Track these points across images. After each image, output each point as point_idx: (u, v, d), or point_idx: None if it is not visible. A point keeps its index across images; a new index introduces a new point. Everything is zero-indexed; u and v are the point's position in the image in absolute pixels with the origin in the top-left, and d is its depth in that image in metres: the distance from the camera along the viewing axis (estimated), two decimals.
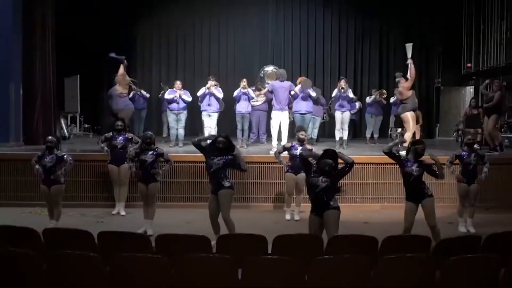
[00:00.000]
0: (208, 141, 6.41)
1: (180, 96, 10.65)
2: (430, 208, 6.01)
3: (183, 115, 10.81)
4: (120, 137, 8.06)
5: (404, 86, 9.85)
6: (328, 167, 5.30)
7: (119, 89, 9.74)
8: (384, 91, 12.88)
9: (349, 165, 5.48)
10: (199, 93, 10.89)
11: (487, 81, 11.16)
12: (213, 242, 4.77)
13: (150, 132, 7.24)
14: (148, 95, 12.31)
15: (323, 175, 5.30)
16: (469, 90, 15.19)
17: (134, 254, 3.87)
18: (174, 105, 10.72)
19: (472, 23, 14.79)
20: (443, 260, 3.70)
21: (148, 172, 6.95)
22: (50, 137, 7.01)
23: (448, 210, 8.21)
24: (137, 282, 3.70)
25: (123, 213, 8.09)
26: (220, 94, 10.83)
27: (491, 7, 13.94)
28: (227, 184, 6.17)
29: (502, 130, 12.47)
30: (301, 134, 7.80)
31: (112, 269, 3.77)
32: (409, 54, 10.07)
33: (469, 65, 14.97)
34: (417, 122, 10.96)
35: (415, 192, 6.04)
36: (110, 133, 8.16)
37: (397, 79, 10.25)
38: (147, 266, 3.76)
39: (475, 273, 3.70)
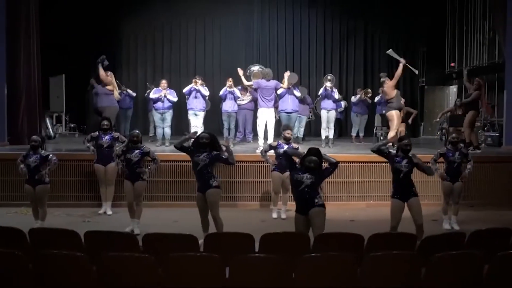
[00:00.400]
0: (191, 141, 6.41)
1: (165, 96, 10.65)
2: (418, 207, 6.08)
3: (169, 115, 10.80)
4: (107, 137, 8.02)
5: (389, 85, 9.96)
6: (313, 164, 5.34)
7: (105, 89, 9.74)
8: (369, 90, 12.98)
9: (333, 165, 5.52)
10: (185, 90, 10.90)
11: (465, 71, 11.33)
12: (201, 241, 4.78)
13: (137, 131, 7.20)
14: (134, 94, 12.27)
15: (307, 172, 5.34)
16: (453, 89, 15.37)
17: (121, 253, 3.86)
18: (159, 104, 10.71)
19: (456, 23, 14.97)
20: (428, 257, 3.75)
21: (134, 171, 6.93)
22: (34, 137, 6.94)
23: (432, 208, 8.29)
24: (125, 282, 3.70)
25: (109, 212, 8.06)
26: (206, 92, 10.85)
27: (474, 7, 14.12)
28: (214, 183, 6.19)
29: (485, 128, 12.65)
30: (287, 133, 7.83)
31: (99, 268, 3.76)
32: (397, 57, 10.22)
33: (452, 64, 15.15)
34: (403, 121, 11.10)
35: (404, 189, 6.09)
36: (96, 133, 8.12)
37: (382, 79, 10.37)
38: (134, 266, 3.76)
39: (460, 270, 3.76)
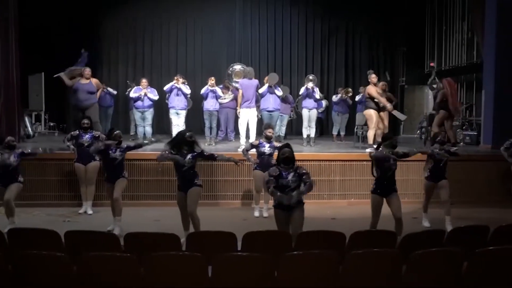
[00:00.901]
0: (169, 147, 6.33)
1: (145, 94, 10.58)
2: (398, 201, 6.25)
3: (149, 113, 10.75)
4: (87, 135, 7.95)
5: (369, 90, 10.12)
6: (287, 153, 5.48)
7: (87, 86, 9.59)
8: (350, 89, 13.08)
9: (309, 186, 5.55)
10: (166, 87, 10.85)
11: (431, 77, 11.50)
12: (183, 240, 4.77)
13: (118, 131, 7.12)
14: (115, 93, 12.15)
15: (288, 172, 5.39)
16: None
17: (102, 253, 3.83)
18: (139, 103, 10.66)
19: (435, 24, 15.16)
20: (408, 254, 3.79)
21: (115, 170, 6.87)
22: (9, 137, 6.90)
23: (412, 206, 8.41)
24: (106, 282, 3.67)
25: (90, 212, 7.99)
26: (187, 90, 10.82)
27: (453, 8, 14.32)
28: (198, 182, 6.24)
29: (464, 127, 12.84)
30: (269, 132, 7.86)
31: (80, 268, 3.72)
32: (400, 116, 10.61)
33: (432, 64, 15.33)
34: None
35: (387, 185, 6.24)
36: (77, 131, 8.03)
37: (369, 75, 10.44)
38: (116, 265, 3.73)
39: (440, 267, 3.81)
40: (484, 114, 11.14)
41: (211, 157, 6.48)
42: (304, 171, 5.52)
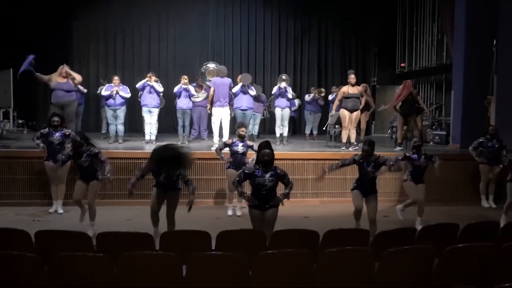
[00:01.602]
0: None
1: (117, 92, 10.45)
2: (375, 203, 6.39)
3: (121, 111, 10.61)
4: (57, 133, 7.80)
5: (342, 90, 10.25)
6: (267, 156, 5.44)
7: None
8: (323, 89, 13.18)
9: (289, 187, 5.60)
10: (138, 85, 10.74)
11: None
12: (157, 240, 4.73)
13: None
14: (85, 90, 11.88)
15: (266, 172, 5.38)
16: None
17: (74, 253, 3.76)
18: (111, 101, 10.52)
19: (406, 25, 15.42)
20: (381, 252, 3.85)
21: (86, 171, 6.76)
22: None
23: (383, 204, 8.51)
24: (78, 282, 3.61)
25: (60, 211, 7.84)
26: (160, 88, 10.73)
27: (424, 9, 14.58)
28: (180, 185, 6.15)
29: (433, 127, 13.08)
30: (242, 131, 7.84)
31: (51, 269, 3.65)
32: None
33: (403, 65, 15.59)
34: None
35: (367, 187, 6.40)
36: (46, 129, 7.87)
37: (348, 75, 10.54)
38: (88, 266, 3.67)
39: (411, 264, 3.88)
40: (453, 114, 11.36)
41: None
42: (283, 172, 5.53)
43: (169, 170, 5.82)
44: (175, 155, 5.75)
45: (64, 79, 9.41)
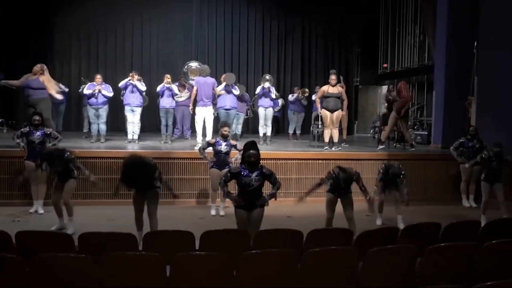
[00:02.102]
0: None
1: (99, 91, 10.34)
2: (350, 202, 6.38)
3: (103, 110, 10.50)
4: (38, 132, 7.69)
5: (322, 89, 10.28)
6: (253, 157, 5.41)
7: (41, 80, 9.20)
8: (306, 90, 13.23)
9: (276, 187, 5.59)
10: (121, 84, 10.65)
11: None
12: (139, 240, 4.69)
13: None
14: (67, 89, 11.75)
15: (252, 171, 5.37)
16: (385, 89, 15.93)
17: (56, 254, 3.71)
18: (93, 100, 10.41)
19: (388, 26, 15.55)
20: (364, 251, 3.86)
21: (61, 172, 6.68)
22: None
23: (365, 204, 8.56)
24: (61, 283, 3.56)
25: (41, 211, 7.73)
26: (143, 87, 10.66)
27: (406, 11, 14.71)
28: (158, 184, 6.09)
29: (415, 127, 13.21)
30: (225, 130, 7.81)
31: (33, 270, 3.59)
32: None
33: (385, 65, 15.72)
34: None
35: (342, 188, 6.41)
36: (27, 128, 7.76)
37: (330, 74, 10.57)
38: (70, 267, 3.62)
39: (394, 263, 3.91)
40: (435, 114, 11.49)
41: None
42: (269, 172, 5.50)
43: (140, 180, 5.79)
44: (139, 164, 5.78)
45: (34, 76, 9.14)
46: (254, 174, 5.39)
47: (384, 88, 15.97)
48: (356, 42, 16.03)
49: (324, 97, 10.21)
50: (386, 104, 10.89)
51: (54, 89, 9.29)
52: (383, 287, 3.84)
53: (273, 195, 5.54)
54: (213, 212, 8.03)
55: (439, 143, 10.99)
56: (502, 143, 7.76)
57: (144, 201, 6.06)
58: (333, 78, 10.25)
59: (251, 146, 5.50)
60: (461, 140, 9.03)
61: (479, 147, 8.89)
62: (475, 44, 10.52)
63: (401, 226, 7.01)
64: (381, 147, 10.61)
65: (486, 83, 10.25)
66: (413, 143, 11.11)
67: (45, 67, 9.32)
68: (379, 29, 15.99)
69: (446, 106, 10.96)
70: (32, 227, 6.46)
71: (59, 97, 9.69)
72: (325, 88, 10.27)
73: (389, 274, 3.87)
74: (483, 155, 7.82)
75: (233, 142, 7.89)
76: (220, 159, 7.75)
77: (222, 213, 7.95)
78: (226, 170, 7.09)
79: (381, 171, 7.50)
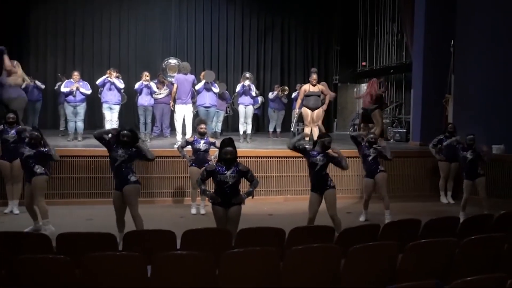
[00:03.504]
0: (110, 135, 6.13)
1: (77, 89, 10.18)
2: (332, 198, 6.32)
3: (81, 108, 10.34)
4: (12, 131, 7.51)
5: (303, 88, 10.30)
6: (229, 155, 5.37)
7: (10, 79, 9.03)
8: (286, 87, 13.23)
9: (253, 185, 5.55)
10: (98, 81, 10.49)
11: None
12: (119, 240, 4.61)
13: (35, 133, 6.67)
14: (43, 86, 11.53)
15: (228, 169, 5.34)
16: (364, 87, 16.04)
17: (33, 255, 3.62)
18: (70, 97, 10.25)
19: (367, 24, 15.66)
20: (346, 248, 3.86)
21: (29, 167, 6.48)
22: None
23: (347, 201, 8.63)
24: (39, 286, 3.47)
25: (16, 211, 7.55)
26: (121, 84, 10.52)
27: (384, 9, 14.83)
28: (133, 178, 5.94)
29: (394, 125, 13.33)
30: (201, 128, 7.73)
31: (9, 273, 3.49)
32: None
33: (364, 63, 15.82)
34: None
35: (319, 182, 6.31)
36: (1, 126, 7.58)
37: (311, 73, 10.57)
38: (49, 268, 3.53)
39: (376, 259, 3.92)
40: (413, 112, 11.61)
41: (146, 158, 6.08)
42: (245, 169, 5.46)
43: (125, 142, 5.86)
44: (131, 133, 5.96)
45: (17, 80, 9.03)
46: (229, 171, 5.34)
47: (363, 86, 16.08)
48: (335, 40, 16.11)
49: (305, 95, 10.23)
50: (373, 99, 10.81)
51: (17, 80, 9.11)
52: (366, 284, 3.85)
53: (250, 193, 5.49)
54: (193, 211, 7.97)
55: (418, 141, 11.11)
56: (474, 135, 7.83)
57: (121, 199, 5.94)
58: (314, 78, 10.27)
59: (228, 143, 5.46)
60: (439, 138, 9.12)
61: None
62: (452, 42, 10.65)
63: (388, 220, 7.09)
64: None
65: (463, 81, 10.39)
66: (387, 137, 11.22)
67: (15, 62, 9.14)
68: (357, 27, 16.09)
69: (424, 104, 11.08)
70: (7, 228, 6.32)
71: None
72: (306, 87, 10.30)
73: (371, 271, 3.88)
74: (455, 141, 7.92)
75: (211, 139, 7.84)
76: (199, 157, 7.69)
77: (202, 211, 7.90)
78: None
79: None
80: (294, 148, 6.42)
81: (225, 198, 5.40)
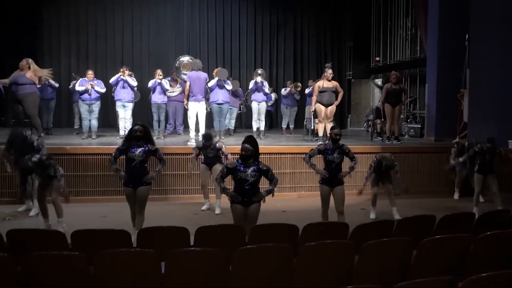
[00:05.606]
0: (121, 142, 6.16)
1: (92, 87, 10.24)
2: (341, 194, 6.36)
3: (96, 106, 10.41)
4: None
5: (317, 84, 10.24)
6: (244, 151, 5.37)
7: (27, 76, 9.05)
8: (299, 84, 13.19)
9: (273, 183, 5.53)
10: (111, 80, 10.55)
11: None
12: (133, 237, 4.64)
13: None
14: (57, 85, 11.63)
15: (247, 167, 5.33)
16: (378, 82, 15.94)
17: (48, 252, 3.65)
18: (86, 96, 10.30)
19: (380, 19, 15.52)
20: (360, 245, 3.84)
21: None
22: None
23: (360, 197, 8.56)
24: (54, 282, 3.50)
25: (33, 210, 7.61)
26: (134, 82, 10.57)
27: (397, 4, 14.68)
28: (148, 180, 6.02)
29: (408, 120, 13.22)
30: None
31: (24, 269, 3.53)
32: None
33: (377, 59, 15.69)
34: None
35: (333, 176, 6.31)
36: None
37: (326, 68, 10.51)
38: (63, 265, 3.56)
39: (390, 256, 3.89)
40: (427, 107, 11.50)
41: (161, 159, 6.11)
42: (266, 167, 5.45)
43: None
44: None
45: (21, 72, 9.02)
46: (250, 170, 5.34)
47: (377, 82, 15.97)
48: (348, 35, 16.01)
49: (319, 91, 10.16)
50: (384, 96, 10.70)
51: (42, 73, 9.23)
52: (379, 279, 3.82)
53: (270, 191, 5.47)
54: (204, 207, 7.96)
55: (432, 136, 11.00)
56: (493, 138, 7.75)
57: (133, 196, 6.00)
58: (330, 72, 10.21)
59: (247, 140, 5.47)
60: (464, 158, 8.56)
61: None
62: (467, 36, 10.52)
63: (397, 217, 7.03)
64: (397, 142, 10.55)
65: (478, 75, 10.25)
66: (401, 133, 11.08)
67: (30, 60, 9.18)
68: (371, 22, 15.96)
69: (438, 99, 10.97)
70: (23, 225, 6.38)
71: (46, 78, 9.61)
72: (320, 83, 10.23)
73: (385, 267, 3.85)
74: (476, 149, 7.78)
75: (219, 145, 7.77)
76: (209, 158, 7.74)
77: (218, 211, 7.80)
78: (217, 166, 7.09)
79: (373, 164, 7.50)
80: (310, 158, 6.43)
81: (244, 196, 5.39)
